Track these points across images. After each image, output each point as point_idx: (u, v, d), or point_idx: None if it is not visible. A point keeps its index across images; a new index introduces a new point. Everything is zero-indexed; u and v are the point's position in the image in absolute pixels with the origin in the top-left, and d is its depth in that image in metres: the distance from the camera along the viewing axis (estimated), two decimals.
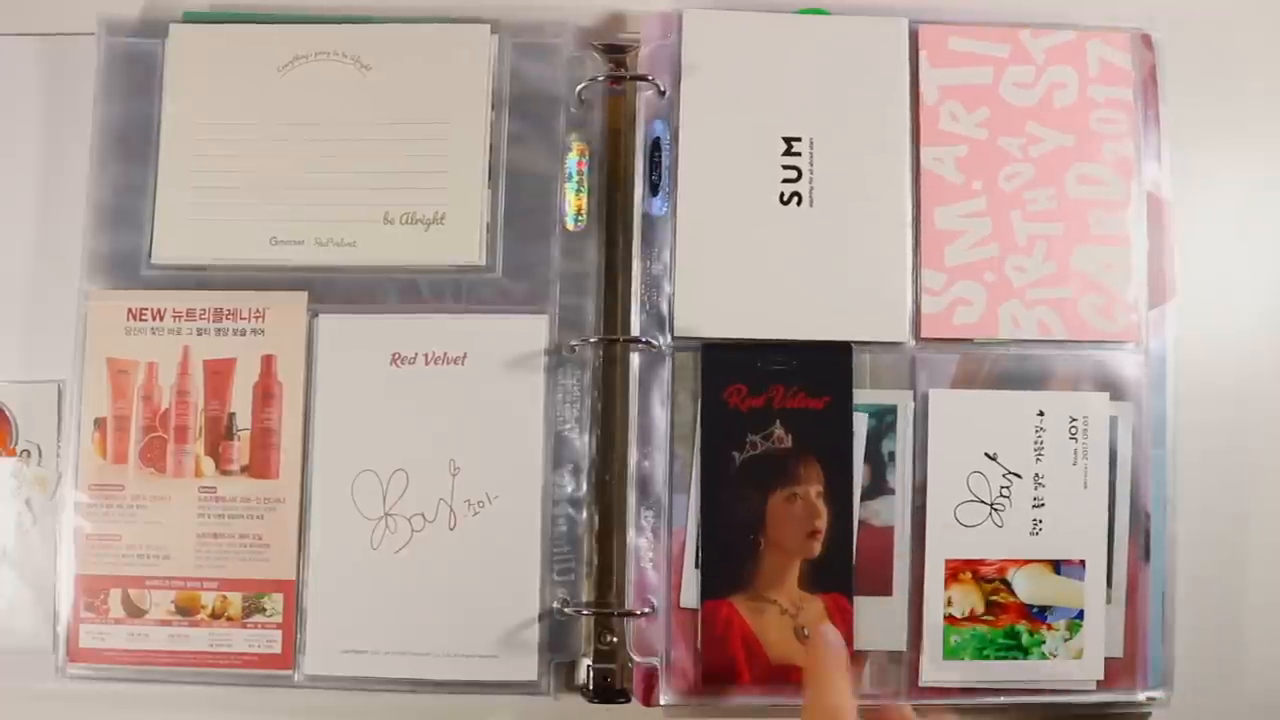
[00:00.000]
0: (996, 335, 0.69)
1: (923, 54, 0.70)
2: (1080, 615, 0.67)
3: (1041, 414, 0.68)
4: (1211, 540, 0.70)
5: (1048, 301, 0.69)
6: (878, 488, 0.68)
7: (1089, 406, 0.68)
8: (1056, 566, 0.67)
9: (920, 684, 0.67)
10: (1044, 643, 0.67)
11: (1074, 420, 0.68)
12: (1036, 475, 0.68)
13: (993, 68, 0.70)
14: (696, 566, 0.67)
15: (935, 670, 0.67)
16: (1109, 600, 0.67)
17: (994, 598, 0.67)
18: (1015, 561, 0.67)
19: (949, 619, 0.67)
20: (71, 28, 0.73)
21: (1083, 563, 0.67)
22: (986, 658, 0.67)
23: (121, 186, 0.71)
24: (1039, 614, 0.67)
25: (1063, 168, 0.70)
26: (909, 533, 0.68)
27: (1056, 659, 0.67)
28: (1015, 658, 0.67)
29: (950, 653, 0.67)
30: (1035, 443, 0.68)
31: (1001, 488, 0.68)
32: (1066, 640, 0.67)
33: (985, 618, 0.67)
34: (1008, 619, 0.67)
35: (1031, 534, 0.67)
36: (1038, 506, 0.68)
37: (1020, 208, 0.69)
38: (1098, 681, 0.67)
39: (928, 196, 0.69)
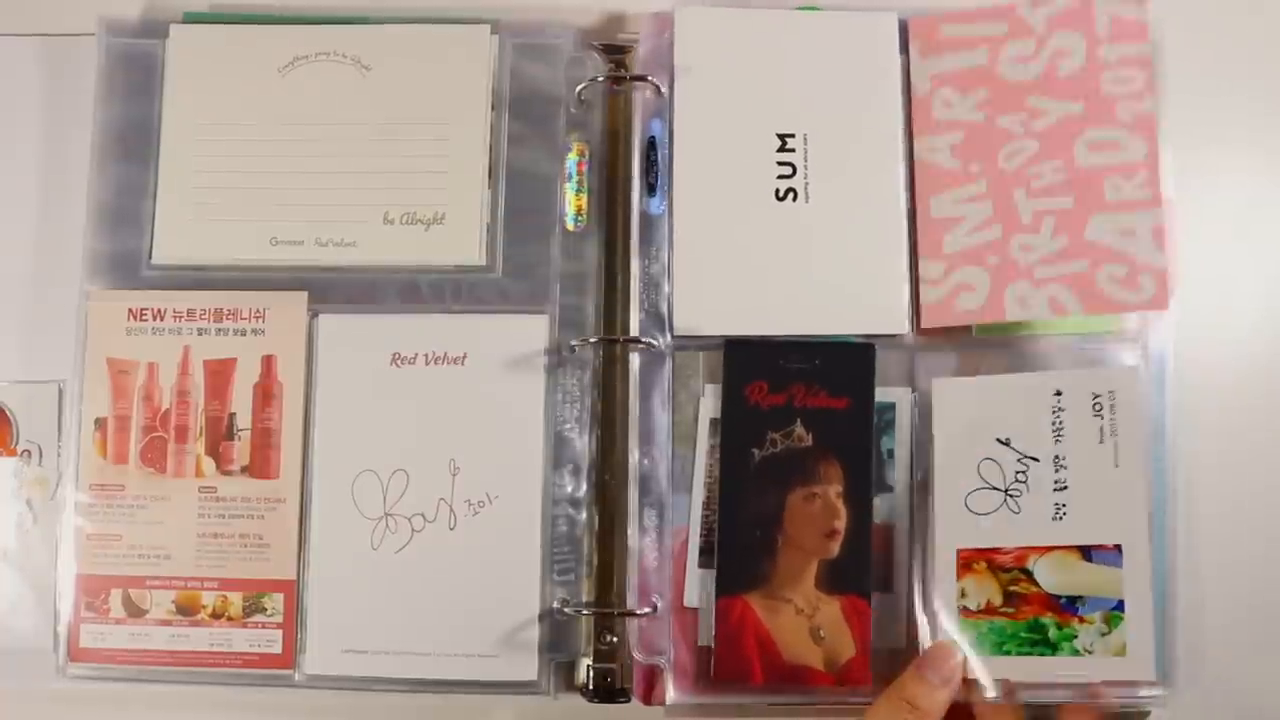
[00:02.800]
0: (1003, 319, 0.68)
1: (913, 45, 0.70)
2: (1120, 606, 0.63)
3: (1059, 394, 0.66)
4: (1212, 539, 0.70)
5: (1060, 278, 0.67)
6: (878, 485, 0.67)
7: (1114, 381, 0.65)
8: (1086, 553, 0.64)
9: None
10: (1075, 637, 0.63)
11: (1097, 396, 0.65)
12: (1056, 457, 0.65)
13: (988, 48, 0.70)
14: (700, 566, 0.67)
15: None
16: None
17: (1013, 588, 0.65)
18: (1036, 549, 0.65)
19: (963, 611, 0.65)
20: (71, 28, 0.73)
21: (1118, 548, 0.64)
22: (1007, 653, 0.64)
23: (121, 187, 0.71)
24: (1068, 605, 0.64)
25: (1070, 137, 0.68)
26: (909, 530, 0.67)
27: (1093, 655, 0.63)
28: (1042, 653, 0.64)
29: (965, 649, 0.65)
30: (1053, 424, 0.65)
31: (1017, 473, 0.65)
32: (1104, 634, 0.63)
33: (1004, 610, 0.65)
34: (1030, 611, 0.64)
35: (1054, 519, 0.65)
36: (1059, 490, 0.65)
37: (1024, 185, 0.68)
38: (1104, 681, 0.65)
39: (922, 186, 0.69)
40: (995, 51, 0.70)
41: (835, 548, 0.66)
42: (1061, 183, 0.68)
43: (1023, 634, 0.64)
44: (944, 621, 0.65)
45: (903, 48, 0.71)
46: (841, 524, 0.66)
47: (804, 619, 0.66)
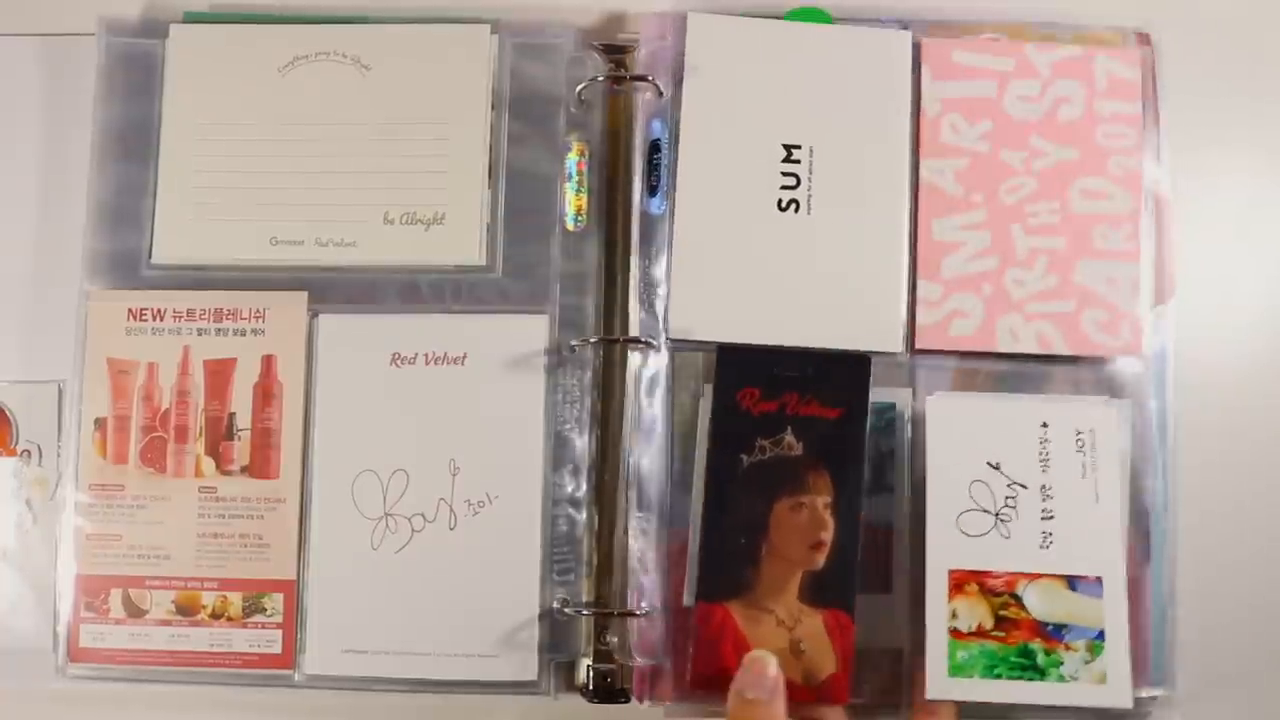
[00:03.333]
0: (994, 348, 0.68)
1: (925, 67, 0.70)
2: (1101, 636, 0.64)
3: (1045, 425, 0.66)
4: (1212, 540, 0.70)
5: (1048, 315, 0.68)
6: (877, 485, 0.67)
7: (1095, 418, 0.66)
8: (1071, 583, 0.65)
9: (926, 698, 0.64)
10: (1062, 664, 0.64)
11: (1080, 433, 0.66)
12: (1044, 486, 0.65)
13: (996, 81, 0.70)
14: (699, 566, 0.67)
15: (941, 687, 0.64)
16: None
17: (1004, 612, 0.64)
18: (1025, 575, 0.65)
19: (954, 633, 0.64)
20: (71, 28, 0.73)
21: (1099, 579, 0.65)
22: (998, 676, 0.64)
23: (121, 186, 0.71)
24: (1055, 632, 0.64)
25: (1066, 182, 0.69)
26: (908, 530, 0.67)
27: (1077, 682, 0.64)
28: (1031, 679, 0.64)
29: (956, 669, 0.64)
30: (1040, 454, 0.66)
31: (1007, 498, 0.65)
32: (1087, 663, 0.64)
33: (995, 633, 0.64)
34: (1020, 636, 0.64)
35: (1041, 547, 0.65)
36: (1047, 519, 0.65)
37: (1021, 221, 0.69)
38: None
39: (926, 208, 0.69)
40: (1003, 86, 0.70)
41: (821, 559, 0.65)
42: (1055, 224, 0.69)
43: (1013, 658, 0.64)
44: (935, 642, 0.64)
45: (915, 66, 0.71)
46: (828, 536, 0.65)
47: (785, 631, 0.65)
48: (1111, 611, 0.64)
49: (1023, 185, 0.69)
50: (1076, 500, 0.66)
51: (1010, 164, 0.70)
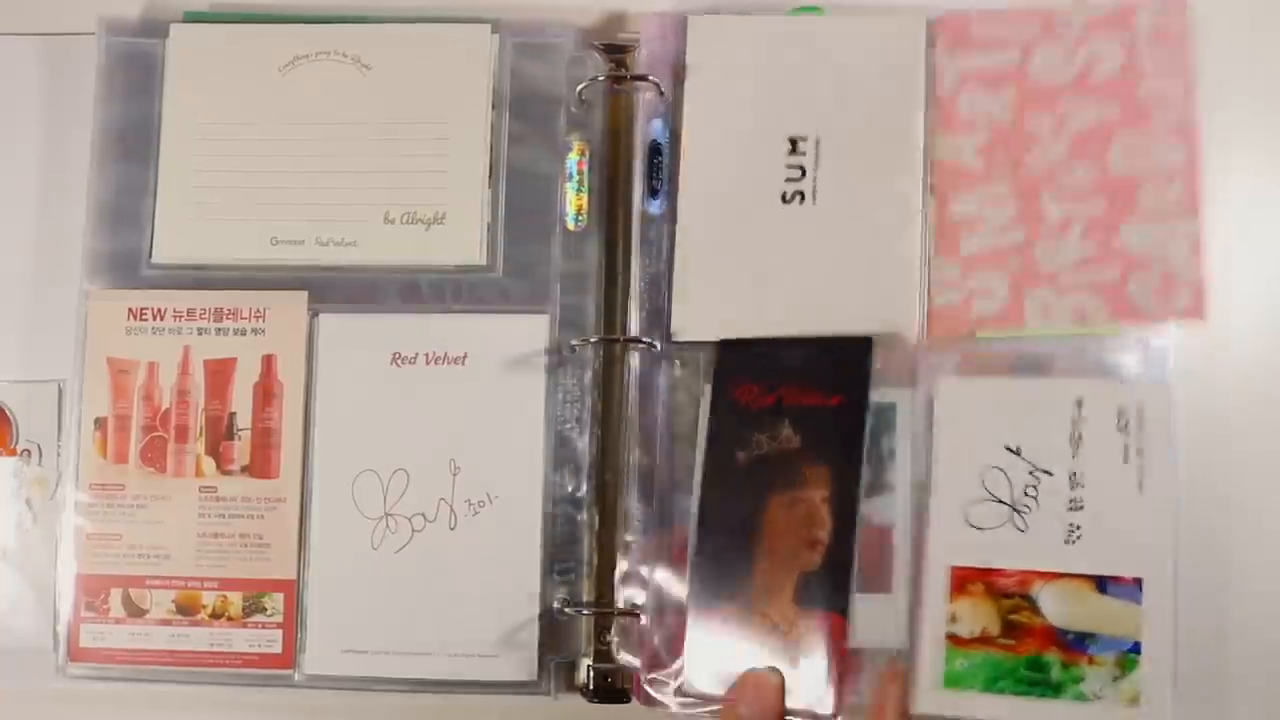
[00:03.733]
0: (1022, 326, 0.64)
1: (939, 43, 0.68)
2: (1136, 648, 0.57)
3: (1080, 404, 0.60)
4: (1211, 540, 0.69)
5: (1086, 286, 0.64)
6: (878, 485, 0.65)
7: (1143, 396, 0.60)
8: (1100, 584, 0.58)
9: (913, 712, 0.59)
10: (1083, 680, 0.57)
11: (1124, 411, 0.60)
12: (1073, 474, 0.59)
13: (1019, 50, 0.67)
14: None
15: (930, 700, 0.58)
16: None
17: (1014, 617, 0.59)
18: (1042, 574, 0.58)
19: (953, 638, 0.58)
20: (71, 28, 0.73)
21: (1138, 582, 0.58)
22: (1001, 691, 0.58)
23: (121, 186, 0.71)
24: (1076, 642, 0.58)
25: (1104, 142, 0.65)
26: (909, 531, 0.65)
27: (1101, 701, 0.56)
28: (1042, 695, 0.57)
29: (952, 680, 0.58)
30: (1072, 435, 0.60)
31: (1027, 487, 0.59)
32: (1116, 679, 0.56)
33: (1002, 641, 0.58)
34: (1032, 645, 0.58)
35: (1066, 542, 0.58)
36: (1075, 509, 0.59)
37: (1052, 189, 0.65)
38: None
39: (943, 186, 0.67)
40: (1027, 53, 0.67)
41: (817, 559, 0.63)
42: (1092, 188, 0.65)
43: (1022, 671, 0.58)
44: (929, 648, 0.59)
45: (929, 43, 0.69)
46: (825, 534, 0.63)
47: (779, 636, 0.63)
48: (1154, 620, 0.57)
49: (1052, 151, 0.65)
50: (1114, 489, 0.59)
51: (1037, 131, 0.66)
